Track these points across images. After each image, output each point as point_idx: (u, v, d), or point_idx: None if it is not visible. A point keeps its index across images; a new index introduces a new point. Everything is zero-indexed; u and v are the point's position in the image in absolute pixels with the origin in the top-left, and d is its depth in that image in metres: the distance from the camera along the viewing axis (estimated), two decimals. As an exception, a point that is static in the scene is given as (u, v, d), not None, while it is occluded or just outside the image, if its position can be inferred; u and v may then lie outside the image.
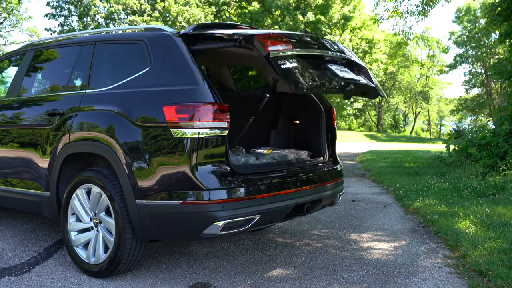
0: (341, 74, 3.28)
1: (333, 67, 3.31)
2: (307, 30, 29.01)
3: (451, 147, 10.00)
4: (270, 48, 2.86)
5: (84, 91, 3.48)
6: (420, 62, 48.73)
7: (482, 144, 8.38)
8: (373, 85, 3.55)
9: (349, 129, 45.14)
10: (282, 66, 2.83)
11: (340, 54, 3.45)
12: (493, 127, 9.92)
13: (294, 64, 2.94)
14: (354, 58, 3.60)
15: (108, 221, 3.12)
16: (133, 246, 3.04)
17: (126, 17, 32.06)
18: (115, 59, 3.59)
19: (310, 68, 3.08)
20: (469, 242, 3.78)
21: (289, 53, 2.96)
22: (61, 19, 33.21)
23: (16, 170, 3.85)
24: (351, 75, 3.39)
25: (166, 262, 3.55)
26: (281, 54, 2.89)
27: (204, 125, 2.82)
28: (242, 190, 2.93)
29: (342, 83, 3.22)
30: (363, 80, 3.48)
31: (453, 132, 13.57)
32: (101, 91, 3.38)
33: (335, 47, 3.52)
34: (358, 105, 38.63)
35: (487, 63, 39.30)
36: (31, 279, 3.16)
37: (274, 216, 3.26)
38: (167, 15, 30.40)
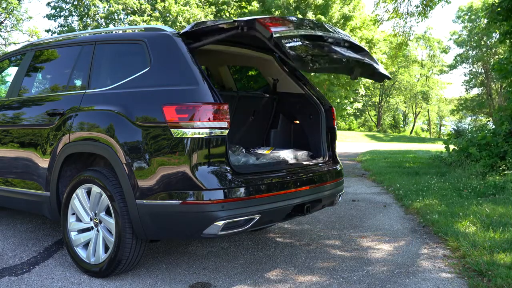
0: (346, 53, 3.28)
1: (337, 48, 3.30)
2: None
3: (451, 147, 9.99)
4: (273, 29, 2.85)
5: (84, 91, 3.48)
6: (420, 62, 48.73)
7: (482, 144, 8.38)
8: (378, 66, 3.58)
9: (349, 129, 45.15)
10: (287, 45, 2.81)
11: (342, 36, 3.45)
12: (493, 127, 9.92)
13: (299, 43, 2.93)
14: (355, 42, 3.62)
15: (108, 221, 3.12)
16: (133, 246, 3.04)
17: (126, 17, 32.07)
18: (115, 59, 3.59)
19: (315, 48, 3.07)
20: (469, 242, 3.78)
21: (291, 33, 2.96)
22: (61, 20, 33.26)
23: (17, 170, 3.85)
24: (355, 55, 3.39)
25: (166, 262, 3.55)
26: (284, 34, 2.88)
27: (204, 125, 2.82)
28: (242, 190, 2.93)
29: (349, 62, 3.23)
30: (367, 60, 3.48)
31: (453, 132, 13.53)
32: (101, 91, 3.38)
33: (336, 30, 3.52)
34: (358, 105, 38.61)
35: (487, 63, 39.30)
36: (31, 279, 3.16)
37: (274, 216, 3.26)
38: (167, 15, 30.41)
